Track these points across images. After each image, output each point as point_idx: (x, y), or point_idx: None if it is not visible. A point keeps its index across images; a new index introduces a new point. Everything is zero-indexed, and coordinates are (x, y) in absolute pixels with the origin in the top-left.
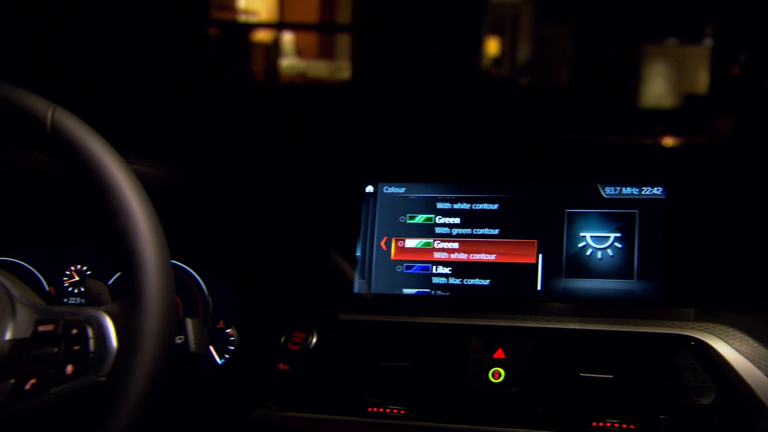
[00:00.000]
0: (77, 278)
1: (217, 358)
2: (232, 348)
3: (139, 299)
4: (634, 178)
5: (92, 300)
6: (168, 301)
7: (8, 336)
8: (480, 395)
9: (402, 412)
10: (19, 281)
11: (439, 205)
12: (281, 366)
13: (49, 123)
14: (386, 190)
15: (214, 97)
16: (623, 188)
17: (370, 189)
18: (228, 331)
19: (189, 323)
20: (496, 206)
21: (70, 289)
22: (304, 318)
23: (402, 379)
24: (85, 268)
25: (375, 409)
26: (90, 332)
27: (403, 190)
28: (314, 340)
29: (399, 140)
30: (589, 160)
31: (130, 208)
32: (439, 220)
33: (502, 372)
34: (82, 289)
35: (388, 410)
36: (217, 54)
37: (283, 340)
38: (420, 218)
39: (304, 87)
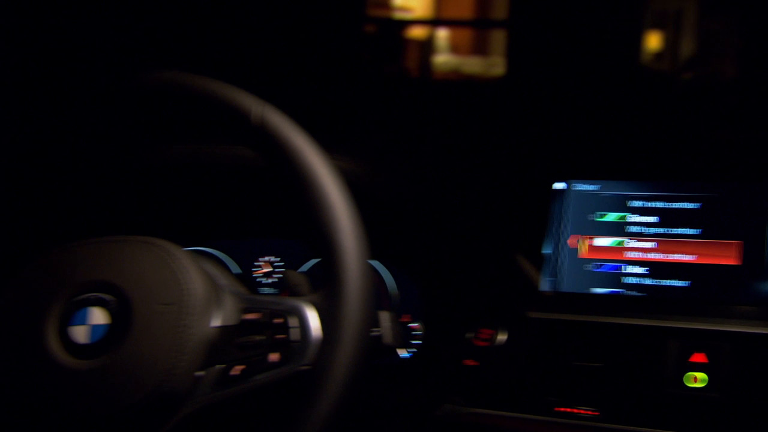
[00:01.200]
0: (268, 269)
1: (403, 352)
2: (418, 342)
3: (340, 290)
4: None
5: (291, 290)
6: (368, 292)
7: (217, 323)
8: (676, 400)
9: (594, 413)
10: (225, 271)
11: (633, 203)
12: (468, 362)
13: (256, 119)
14: (577, 187)
15: (394, 94)
16: None
17: (560, 186)
18: (413, 325)
19: (383, 316)
20: (697, 205)
21: (260, 279)
22: (492, 314)
23: (593, 380)
24: (276, 259)
25: (564, 409)
26: (293, 322)
27: (595, 187)
28: (501, 337)
29: (592, 137)
30: None
31: (331, 202)
32: (633, 218)
33: (701, 377)
34: (272, 280)
35: (578, 411)
36: (373, 51)
37: (469, 336)
38: (612, 216)
39: (460, 83)
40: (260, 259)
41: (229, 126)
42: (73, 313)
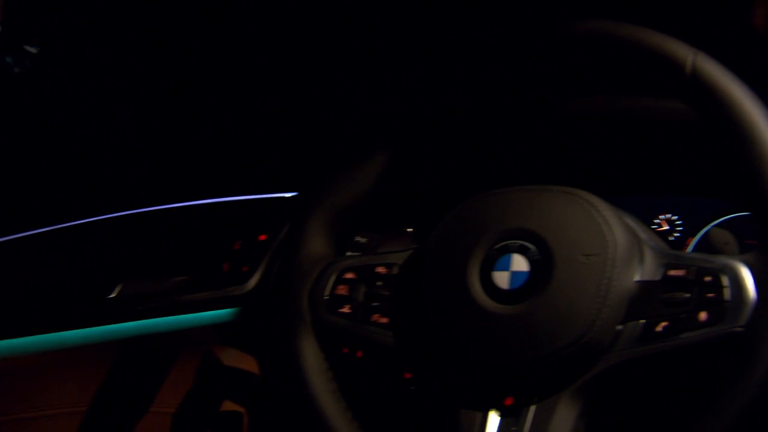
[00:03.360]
0: (666, 227)
1: None
2: None
3: None
4: None
5: (717, 249)
6: None
7: (638, 277)
8: None
9: None
10: (645, 225)
11: None
12: None
13: (689, 68)
14: None
15: None
16: None
17: None
18: None
19: None
20: None
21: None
22: None
23: None
24: (675, 217)
25: None
26: (725, 281)
27: None
28: None
29: None
30: None
31: None
32: None
33: None
34: (671, 239)
35: None
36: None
37: None
38: None
39: None
40: (659, 216)
41: (660, 77)
42: (497, 258)
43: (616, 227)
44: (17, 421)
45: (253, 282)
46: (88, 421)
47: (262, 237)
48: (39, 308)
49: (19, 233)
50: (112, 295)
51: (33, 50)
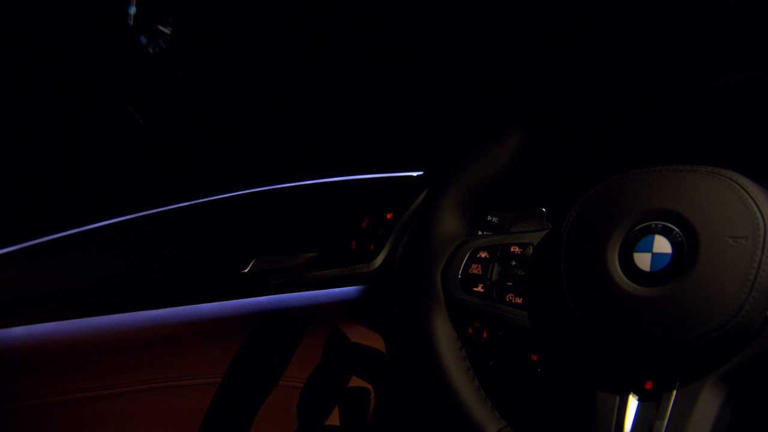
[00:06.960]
0: None
1: None
2: None
3: None
4: None
5: None
6: None
7: None
8: None
9: None
10: None
11: None
12: None
13: None
14: None
15: None
16: None
17: None
18: None
19: None
20: None
21: None
22: None
23: None
24: None
25: None
26: None
27: None
28: None
29: None
30: None
31: None
32: None
33: None
34: None
35: None
36: None
37: None
38: None
39: None
40: None
41: None
42: (638, 239)
43: (767, 209)
44: (156, 390)
45: (379, 260)
46: (221, 393)
47: (389, 215)
48: (177, 281)
49: (157, 209)
50: (245, 270)
51: (166, 30)
